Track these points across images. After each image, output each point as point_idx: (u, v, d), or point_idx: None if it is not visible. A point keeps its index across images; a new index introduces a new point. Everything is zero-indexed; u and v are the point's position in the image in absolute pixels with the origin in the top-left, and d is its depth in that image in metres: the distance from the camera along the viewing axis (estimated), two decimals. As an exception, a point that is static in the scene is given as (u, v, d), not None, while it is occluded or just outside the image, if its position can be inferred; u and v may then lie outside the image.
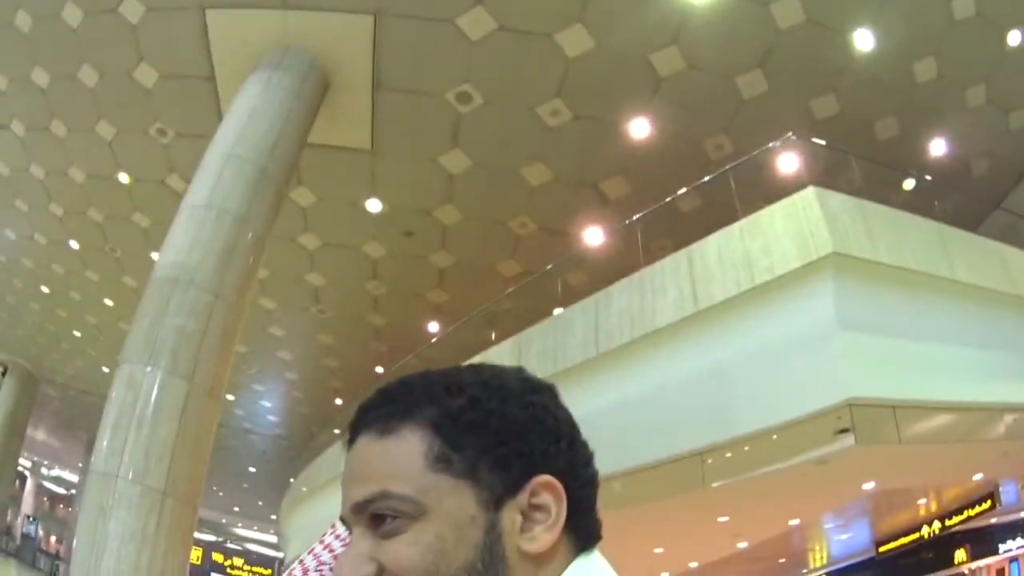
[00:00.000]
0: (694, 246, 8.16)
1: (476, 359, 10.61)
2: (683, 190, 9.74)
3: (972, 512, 13.23)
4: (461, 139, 10.13)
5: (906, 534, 18.83)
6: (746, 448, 7.80)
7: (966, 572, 15.07)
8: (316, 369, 16.71)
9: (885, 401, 8.07)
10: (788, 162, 8.92)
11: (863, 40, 9.30)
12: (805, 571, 23.76)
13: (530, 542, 0.75)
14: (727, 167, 9.07)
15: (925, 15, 9.19)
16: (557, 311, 9.81)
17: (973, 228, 10.88)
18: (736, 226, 8.06)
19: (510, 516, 0.75)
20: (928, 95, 10.15)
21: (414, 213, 11.52)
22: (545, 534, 0.75)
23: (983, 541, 14.21)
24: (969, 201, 11.89)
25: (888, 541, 19.60)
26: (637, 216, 9.65)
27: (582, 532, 0.80)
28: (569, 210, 11.27)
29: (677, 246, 8.33)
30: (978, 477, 11.35)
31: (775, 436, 7.69)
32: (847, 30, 9.17)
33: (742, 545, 13.10)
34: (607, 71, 9.17)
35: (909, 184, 11.08)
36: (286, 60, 8.85)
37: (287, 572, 1.15)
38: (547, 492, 0.76)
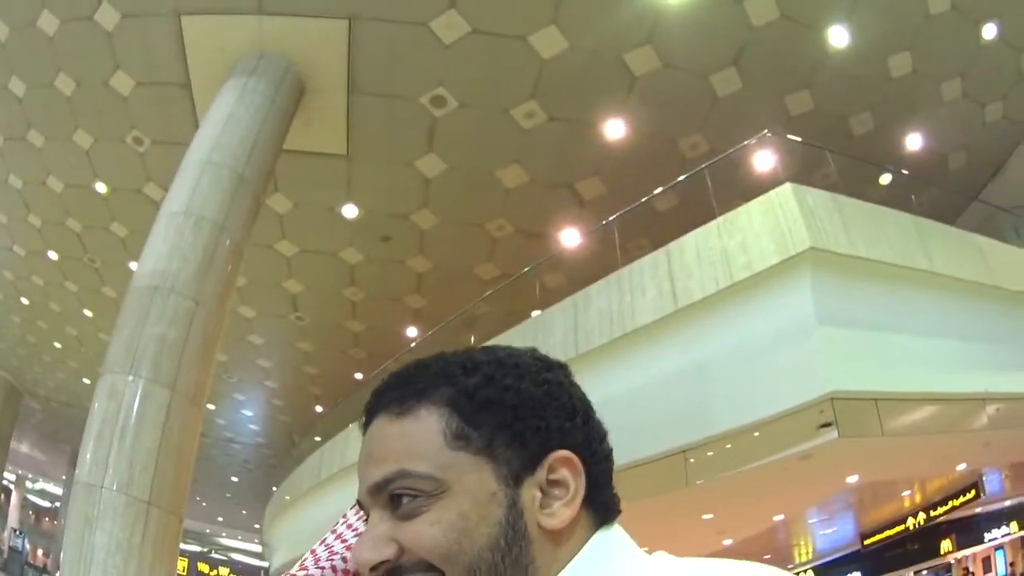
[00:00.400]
0: (672, 245, 8.18)
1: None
2: (659, 189, 9.76)
3: (956, 502, 13.33)
4: (436, 143, 10.10)
5: (891, 526, 18.91)
6: (728, 445, 7.83)
7: (952, 562, 15.19)
8: (296, 376, 16.65)
9: (867, 394, 8.11)
10: (764, 159, 8.95)
11: (837, 36, 9.34)
12: (791, 566, 23.95)
13: (550, 518, 0.75)
14: (703, 165, 9.10)
15: (899, 10, 9.24)
16: (535, 313, 9.82)
17: (951, 221, 10.95)
18: (713, 224, 8.09)
19: (529, 492, 0.75)
20: (903, 90, 10.22)
21: (391, 218, 11.49)
22: (564, 509, 0.75)
23: (968, 531, 14.33)
24: (946, 194, 11.97)
25: (873, 534, 19.67)
26: (614, 216, 9.66)
27: (600, 507, 0.80)
28: (545, 212, 11.27)
29: (655, 245, 8.35)
30: (962, 467, 11.44)
31: (757, 432, 7.72)
32: (821, 26, 9.21)
33: (727, 542, 13.14)
34: (581, 72, 9.17)
35: (886, 179, 11.15)
36: (261, 66, 8.81)
37: (298, 564, 1.13)
38: (565, 467, 0.76)
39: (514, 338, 9.51)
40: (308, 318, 14.22)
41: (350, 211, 11.43)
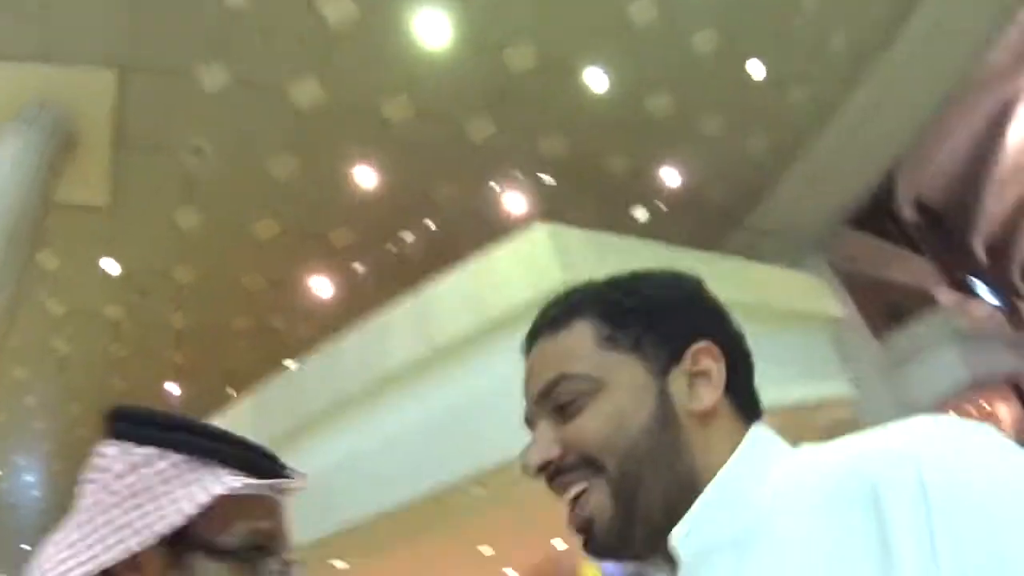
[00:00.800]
0: (426, 289, 8.31)
1: (216, 419, 10.38)
2: (411, 238, 9.88)
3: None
4: (195, 195, 9.92)
5: None
6: (495, 481, 7.96)
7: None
8: (70, 437, 15.68)
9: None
10: (517, 202, 9.26)
11: (596, 80, 9.75)
12: None
13: (696, 401, 0.84)
14: (456, 211, 9.28)
15: (660, 52, 9.65)
16: (291, 365, 9.73)
17: (715, 248, 11.62)
18: (467, 268, 8.27)
19: (676, 381, 0.84)
20: (663, 129, 10.69)
21: (151, 274, 11.16)
22: (709, 393, 0.85)
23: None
24: (709, 224, 12.71)
25: None
26: (365, 265, 9.69)
27: (744, 399, 0.89)
28: (298, 262, 11.20)
29: (408, 291, 8.44)
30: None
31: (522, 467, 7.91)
32: (579, 70, 9.58)
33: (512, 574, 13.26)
34: (337, 121, 9.23)
35: (643, 215, 11.69)
36: (40, 117, 8.45)
37: None
38: (706, 357, 0.86)
39: (273, 391, 9.39)
40: (77, 378, 13.48)
41: (112, 267, 11.00)
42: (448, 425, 7.96)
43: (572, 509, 0.84)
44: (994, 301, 28.05)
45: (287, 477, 0.99)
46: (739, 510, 0.78)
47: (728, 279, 11.09)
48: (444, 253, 8.58)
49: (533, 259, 8.33)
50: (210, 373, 11.98)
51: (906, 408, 15.73)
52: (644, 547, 0.82)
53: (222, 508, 0.90)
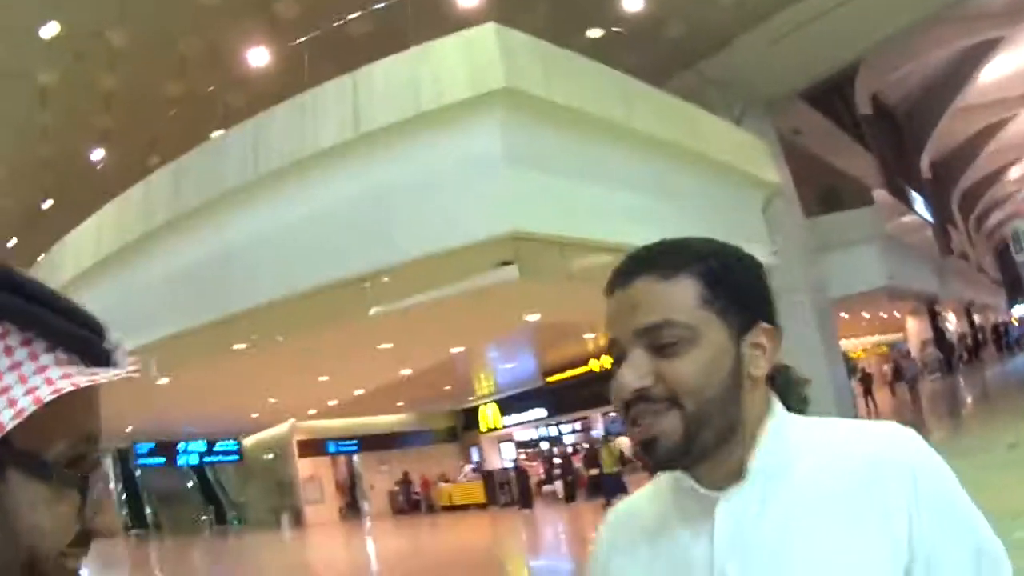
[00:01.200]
0: (361, 70, 7.96)
1: (138, 188, 10.00)
2: (356, 13, 9.37)
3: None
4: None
5: (575, 366, 19.94)
6: (407, 275, 7.88)
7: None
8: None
9: (552, 237, 8.41)
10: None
11: None
12: (472, 398, 24.76)
13: (756, 368, 0.99)
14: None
15: None
16: (216, 134, 9.35)
17: (661, 85, 11.41)
18: (407, 53, 7.93)
19: (744, 349, 0.99)
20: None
21: (87, 36, 10.36)
22: (765, 364, 1.00)
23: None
24: (661, 59, 12.41)
25: (555, 372, 20.95)
26: (305, 38, 9.19)
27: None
28: (238, 30, 10.57)
29: (344, 71, 8.06)
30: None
31: (437, 263, 7.78)
32: None
33: (406, 372, 13.50)
34: None
35: (595, 32, 11.31)
36: None
37: None
38: (765, 335, 1.01)
39: (193, 161, 9.05)
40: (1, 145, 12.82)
41: (49, 29, 10.26)
42: (367, 212, 7.79)
43: (634, 424, 0.99)
44: (928, 218, 28.60)
45: (118, 360, 0.72)
46: (778, 455, 1.02)
47: (672, 120, 10.93)
48: (390, 39, 8.17)
49: (477, 58, 8.03)
50: (137, 140, 11.46)
51: (819, 296, 16.12)
52: (687, 467, 1.01)
53: (46, 409, 0.64)
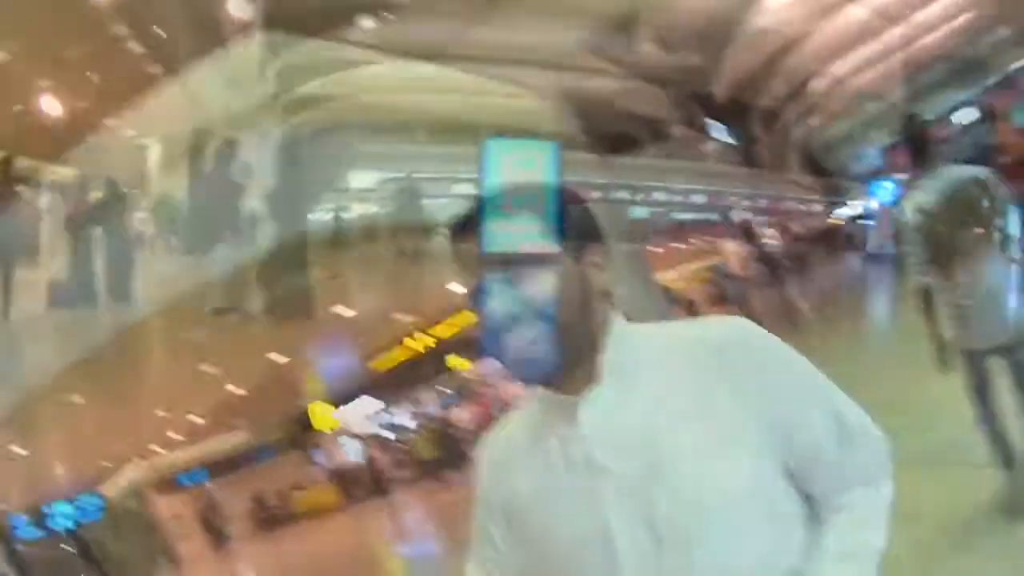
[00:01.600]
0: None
1: None
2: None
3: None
4: None
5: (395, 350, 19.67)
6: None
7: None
8: None
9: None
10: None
11: None
12: (300, 400, 22.95)
13: (598, 285, 1.17)
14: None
15: None
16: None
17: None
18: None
19: (588, 270, 1.17)
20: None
21: None
22: (602, 280, 1.18)
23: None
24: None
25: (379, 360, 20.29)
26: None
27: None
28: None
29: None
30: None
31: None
32: None
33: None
34: None
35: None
36: None
37: None
38: (597, 255, 1.19)
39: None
40: None
41: None
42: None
43: (506, 351, 1.11)
44: (732, 141, 29.47)
45: None
46: (626, 354, 1.17)
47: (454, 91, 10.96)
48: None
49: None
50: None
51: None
52: (554, 381, 1.14)
53: None
